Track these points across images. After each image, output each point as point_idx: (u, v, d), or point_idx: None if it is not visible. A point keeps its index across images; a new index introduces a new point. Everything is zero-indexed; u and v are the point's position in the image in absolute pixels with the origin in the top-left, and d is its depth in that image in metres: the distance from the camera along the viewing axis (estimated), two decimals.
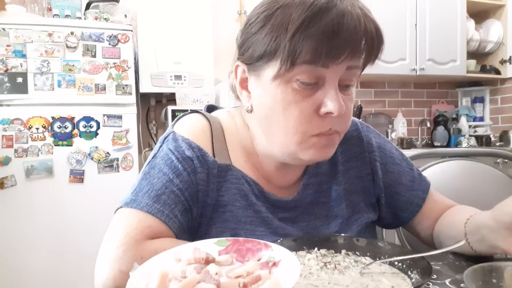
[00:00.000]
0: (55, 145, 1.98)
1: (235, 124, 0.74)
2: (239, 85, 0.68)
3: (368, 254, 0.59)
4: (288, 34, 0.56)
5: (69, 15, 2.14)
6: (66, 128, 2.01)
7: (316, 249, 0.60)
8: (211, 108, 0.81)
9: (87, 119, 2.05)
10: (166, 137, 0.70)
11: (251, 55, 0.62)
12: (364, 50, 0.59)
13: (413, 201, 0.78)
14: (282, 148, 0.65)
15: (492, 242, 0.60)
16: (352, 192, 0.77)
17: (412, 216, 0.79)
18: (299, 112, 0.60)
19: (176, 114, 2.24)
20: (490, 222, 0.60)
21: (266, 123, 0.65)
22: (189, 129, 0.71)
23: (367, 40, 0.58)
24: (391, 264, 0.56)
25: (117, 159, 2.08)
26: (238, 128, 0.74)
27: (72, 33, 2.02)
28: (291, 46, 0.56)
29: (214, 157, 0.69)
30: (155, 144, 2.78)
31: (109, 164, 2.07)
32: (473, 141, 3.19)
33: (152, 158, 0.69)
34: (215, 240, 0.53)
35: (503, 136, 3.18)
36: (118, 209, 0.63)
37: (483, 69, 3.34)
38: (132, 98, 2.14)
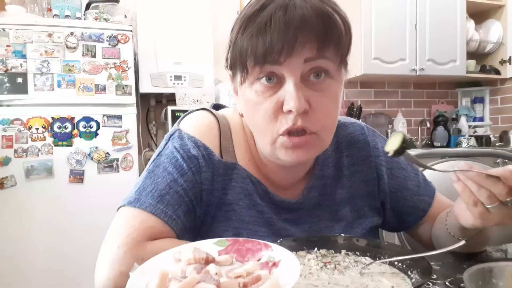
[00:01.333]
0: (55, 145, 1.98)
1: (242, 122, 0.74)
2: (233, 92, 0.70)
3: (368, 254, 0.59)
4: (234, 38, 0.59)
5: (69, 16, 2.14)
6: (66, 128, 2.01)
7: (316, 249, 0.60)
8: (217, 107, 0.81)
9: (87, 119, 2.05)
10: (172, 135, 0.69)
11: (229, 63, 0.64)
12: (314, 41, 0.56)
13: (418, 206, 0.78)
14: (263, 149, 0.66)
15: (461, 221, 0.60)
16: (357, 196, 0.77)
17: (417, 221, 0.79)
18: (263, 113, 0.60)
19: (176, 114, 2.24)
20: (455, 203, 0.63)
21: (249, 127, 0.67)
22: (195, 126, 0.70)
23: (309, 30, 0.56)
24: (391, 264, 0.56)
25: (117, 159, 2.08)
26: (244, 126, 0.74)
27: (72, 33, 2.02)
28: (235, 51, 0.59)
29: (221, 154, 0.68)
30: (155, 144, 2.77)
31: (109, 164, 2.07)
32: (473, 141, 3.19)
33: (157, 155, 0.68)
34: (215, 240, 0.53)
35: (503, 136, 3.18)
36: (120, 207, 0.63)
37: (483, 69, 3.34)
38: (132, 98, 2.14)
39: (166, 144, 0.69)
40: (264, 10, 0.56)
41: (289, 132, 0.60)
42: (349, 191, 0.76)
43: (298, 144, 0.60)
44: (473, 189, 0.54)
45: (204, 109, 0.75)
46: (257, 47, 0.56)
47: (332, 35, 0.57)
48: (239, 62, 0.59)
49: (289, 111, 0.58)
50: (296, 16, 0.55)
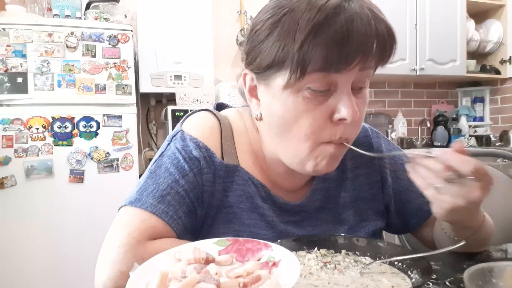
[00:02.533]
0: (55, 145, 1.98)
1: (244, 124, 0.73)
2: (248, 93, 0.67)
3: (368, 254, 0.59)
4: (296, 44, 0.54)
5: (69, 15, 2.14)
6: (66, 128, 2.01)
7: (316, 249, 0.60)
8: (220, 107, 0.79)
9: (87, 119, 2.05)
10: (174, 135, 0.69)
11: (259, 64, 0.60)
12: (376, 52, 0.57)
13: (423, 208, 0.77)
14: (292, 156, 0.64)
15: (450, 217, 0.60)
16: (360, 199, 0.76)
17: (421, 223, 0.79)
18: (312, 121, 0.58)
19: (176, 114, 2.24)
20: None
21: (276, 131, 0.63)
22: (197, 128, 0.69)
23: (379, 42, 0.56)
24: (391, 264, 0.56)
25: (117, 159, 2.08)
26: (247, 128, 0.73)
27: (72, 33, 2.02)
28: (300, 56, 0.54)
29: (223, 156, 0.68)
30: (155, 144, 2.77)
31: (109, 164, 2.07)
32: (473, 141, 3.19)
33: (159, 156, 0.68)
34: (215, 240, 0.53)
35: (503, 136, 3.18)
36: (121, 207, 0.63)
37: (483, 69, 3.34)
38: (132, 98, 2.14)
39: (168, 145, 0.69)
40: (338, 18, 0.53)
41: (330, 140, 0.60)
42: (353, 194, 0.76)
43: (336, 153, 0.61)
44: (420, 171, 0.54)
45: (207, 110, 0.74)
46: (331, 56, 0.54)
47: (391, 52, 0.59)
48: (299, 67, 0.55)
49: (339, 121, 0.58)
50: (372, 29, 0.55)
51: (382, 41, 0.56)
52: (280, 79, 0.59)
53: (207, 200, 0.66)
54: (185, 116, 0.74)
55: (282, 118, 0.61)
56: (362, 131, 0.79)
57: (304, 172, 0.65)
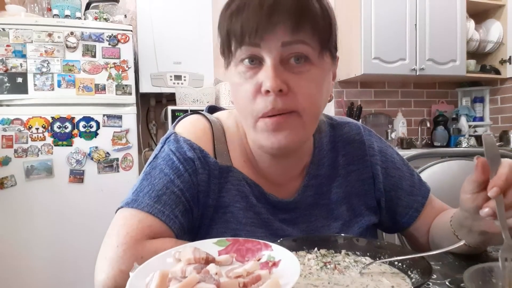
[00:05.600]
0: (55, 145, 1.98)
1: (236, 124, 0.74)
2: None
3: (368, 254, 0.59)
4: (224, 21, 0.61)
5: (69, 15, 2.14)
6: (66, 128, 2.01)
7: (316, 249, 0.60)
8: (212, 109, 0.81)
9: (87, 119, 2.05)
10: (167, 138, 0.70)
11: (221, 51, 0.65)
12: (296, 21, 0.57)
13: (412, 206, 0.78)
14: (249, 138, 0.68)
15: (478, 229, 0.60)
16: (353, 195, 0.77)
17: (411, 222, 0.79)
18: (243, 93, 0.62)
19: (176, 114, 2.25)
20: (462, 212, 0.61)
21: (237, 112, 0.68)
22: (190, 130, 0.71)
23: (290, 14, 0.57)
24: (391, 264, 0.56)
25: (117, 159, 2.08)
26: (238, 128, 0.74)
27: (72, 33, 2.02)
28: (222, 31, 0.62)
29: (215, 158, 0.69)
30: (155, 144, 2.78)
31: (109, 164, 2.07)
32: (473, 141, 3.19)
33: (154, 158, 0.69)
34: (215, 240, 0.53)
35: (503, 136, 3.18)
36: (118, 209, 0.63)
37: (483, 69, 3.34)
38: (132, 98, 2.14)
39: (162, 147, 0.70)
40: None
41: (265, 114, 0.60)
42: (345, 190, 0.76)
43: (278, 124, 0.60)
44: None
45: (198, 113, 0.76)
46: (236, 27, 0.58)
47: (306, 17, 0.58)
48: (225, 44, 0.62)
49: (268, 92, 0.58)
50: (287, 1, 0.56)
51: (294, 12, 0.57)
52: (225, 59, 0.65)
53: (202, 200, 0.67)
54: (177, 120, 0.75)
55: (231, 95, 0.67)
56: (354, 128, 0.80)
57: (266, 151, 0.67)
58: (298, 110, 0.61)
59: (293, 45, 0.59)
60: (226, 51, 0.62)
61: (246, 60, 0.60)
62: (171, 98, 2.53)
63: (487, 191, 0.52)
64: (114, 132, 2.09)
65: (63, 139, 2.00)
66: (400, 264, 0.55)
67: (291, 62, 0.60)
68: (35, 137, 1.96)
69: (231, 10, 0.59)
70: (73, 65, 2.03)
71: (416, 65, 2.96)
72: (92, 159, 2.04)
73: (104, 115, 2.07)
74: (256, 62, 0.60)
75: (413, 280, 0.50)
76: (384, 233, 1.18)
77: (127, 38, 2.12)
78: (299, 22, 0.57)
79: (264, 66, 0.59)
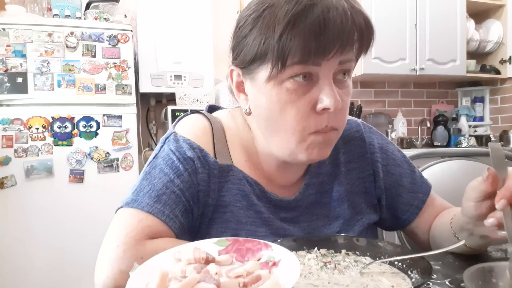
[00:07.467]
0: (55, 145, 1.98)
1: (236, 124, 0.74)
2: (236, 89, 0.69)
3: (368, 254, 0.59)
4: (275, 35, 0.55)
5: (69, 15, 2.14)
6: (66, 128, 2.01)
7: (316, 249, 0.60)
8: (212, 108, 0.81)
9: (87, 119, 2.05)
10: (167, 138, 0.70)
11: (243, 59, 0.62)
12: (355, 43, 0.58)
13: (413, 203, 0.78)
14: (282, 148, 0.65)
15: (479, 233, 0.60)
16: (354, 193, 0.77)
17: (412, 219, 0.79)
18: (296, 111, 0.60)
19: (176, 114, 2.24)
20: (464, 217, 0.61)
21: (264, 124, 0.65)
22: (190, 129, 0.71)
23: (357, 32, 0.57)
24: (391, 264, 0.56)
25: (117, 159, 2.08)
26: (239, 128, 0.74)
27: (72, 33, 2.02)
28: (279, 47, 0.56)
29: (215, 157, 0.69)
30: (155, 144, 2.79)
31: (109, 164, 2.07)
32: (473, 141, 3.19)
33: (153, 158, 0.69)
34: (215, 240, 0.53)
35: (503, 136, 3.18)
36: (118, 209, 0.63)
37: (483, 69, 3.34)
38: (132, 98, 2.14)
39: (161, 147, 0.69)
40: (314, 9, 0.55)
41: (317, 130, 0.61)
42: (346, 188, 0.76)
43: (329, 139, 0.63)
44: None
45: (198, 112, 0.76)
46: (310, 46, 0.55)
47: (369, 42, 0.60)
48: (280, 59, 0.56)
49: (323, 110, 0.59)
50: (349, 18, 0.55)
51: (360, 31, 0.58)
52: (264, 72, 0.60)
53: (202, 199, 0.66)
54: (177, 119, 0.75)
55: (268, 110, 0.62)
56: (354, 125, 0.80)
57: (298, 162, 0.66)
58: (339, 129, 0.64)
59: (346, 63, 0.60)
60: (276, 65, 0.57)
61: (300, 77, 0.59)
62: (171, 98, 2.53)
63: (495, 202, 0.52)
64: (114, 132, 2.09)
65: (63, 139, 2.00)
66: (400, 264, 0.55)
67: (339, 78, 0.61)
68: (35, 137, 1.96)
69: (303, 28, 0.54)
70: (73, 65, 2.03)
71: (416, 65, 2.96)
72: (92, 159, 2.04)
73: (104, 115, 2.07)
74: (308, 78, 0.59)
75: (413, 280, 0.50)
76: (384, 231, 1.18)
77: (127, 38, 2.12)
78: (365, 49, 0.60)
79: (319, 83, 0.59)
